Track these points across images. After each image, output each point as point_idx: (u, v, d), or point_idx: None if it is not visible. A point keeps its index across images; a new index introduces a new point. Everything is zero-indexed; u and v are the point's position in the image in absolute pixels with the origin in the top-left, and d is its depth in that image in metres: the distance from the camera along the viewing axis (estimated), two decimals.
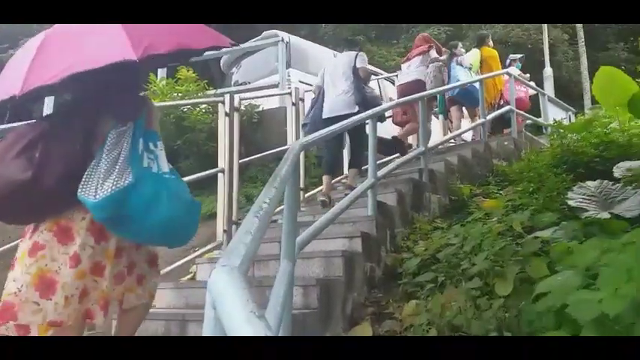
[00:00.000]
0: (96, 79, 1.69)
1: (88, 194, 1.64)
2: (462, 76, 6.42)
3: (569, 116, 9.55)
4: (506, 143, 6.56)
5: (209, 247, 3.89)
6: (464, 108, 6.88)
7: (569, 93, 15.95)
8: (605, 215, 4.00)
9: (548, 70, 10.91)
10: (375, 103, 4.58)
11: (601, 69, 7.07)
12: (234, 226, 4.02)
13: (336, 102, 4.57)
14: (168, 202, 1.73)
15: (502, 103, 7.25)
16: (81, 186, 1.65)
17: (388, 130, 6.44)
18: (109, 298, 1.79)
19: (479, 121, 6.22)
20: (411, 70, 6.17)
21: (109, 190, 1.64)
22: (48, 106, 4.70)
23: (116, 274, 1.81)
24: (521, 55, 8.34)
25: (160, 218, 1.71)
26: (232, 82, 8.18)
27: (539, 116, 8.30)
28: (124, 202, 1.66)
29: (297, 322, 2.44)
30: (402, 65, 6.41)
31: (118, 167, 1.68)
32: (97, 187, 1.65)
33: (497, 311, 2.45)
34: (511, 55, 8.28)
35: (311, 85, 7.02)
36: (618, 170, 5.22)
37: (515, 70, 7.69)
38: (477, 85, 6.36)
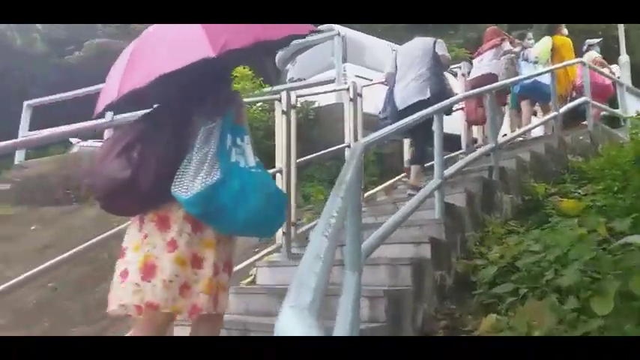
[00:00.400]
0: (183, 78, 1.78)
1: (180, 191, 1.75)
2: (527, 72, 6.09)
3: None
4: (581, 137, 6.05)
5: (269, 249, 3.76)
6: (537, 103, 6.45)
7: None
8: None
9: (623, 58, 10.01)
10: (449, 93, 4.36)
11: None
12: (292, 228, 3.86)
13: (408, 89, 4.39)
14: (255, 195, 1.80)
15: (575, 94, 6.72)
16: (174, 183, 1.77)
17: (450, 125, 6.10)
18: (214, 286, 1.84)
19: (551, 114, 5.76)
20: (483, 64, 5.87)
21: (199, 186, 1.73)
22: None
23: (214, 265, 1.85)
24: (599, 40, 7.71)
25: (249, 211, 1.78)
26: (287, 79, 8.05)
27: (615, 107, 7.65)
28: (214, 197, 1.74)
29: None
30: (474, 60, 6.12)
31: (207, 163, 1.77)
32: (189, 183, 1.75)
33: (595, 333, 2.14)
34: (588, 40, 7.66)
35: (368, 79, 6.84)
36: None
37: (592, 55, 7.12)
38: (546, 78, 5.92)
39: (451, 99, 4.18)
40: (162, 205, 1.83)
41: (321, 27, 7.78)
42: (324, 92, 5.98)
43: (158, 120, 1.91)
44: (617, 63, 9.50)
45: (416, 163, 4.44)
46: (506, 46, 5.84)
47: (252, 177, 1.86)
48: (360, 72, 7.06)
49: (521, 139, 5.91)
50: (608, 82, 7.38)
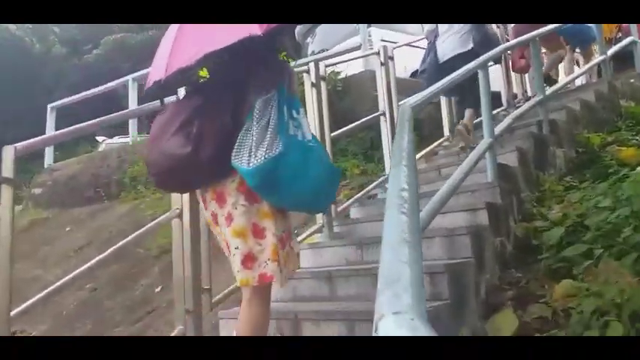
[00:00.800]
0: (232, 53, 1.78)
1: (241, 162, 1.72)
2: None
3: None
4: (632, 81, 5.60)
5: (310, 231, 3.56)
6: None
7: None
8: None
9: None
10: (495, 41, 4.17)
11: None
12: (333, 206, 3.65)
13: (451, 41, 4.24)
14: (314, 170, 1.79)
15: (620, 36, 6.23)
16: (234, 154, 1.74)
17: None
18: (282, 255, 1.80)
19: (599, 58, 5.32)
20: None
21: (262, 158, 1.70)
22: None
23: (276, 235, 1.80)
24: None
25: (306, 185, 1.77)
26: (309, 53, 7.75)
27: None
28: (275, 170, 1.72)
29: (431, 319, 2.01)
30: None
31: (268, 136, 1.73)
32: (250, 155, 1.72)
33: None
34: None
35: (394, 42, 6.50)
36: None
37: None
38: None
39: (495, 49, 3.87)
40: (219, 180, 1.82)
41: None
42: (354, 59, 5.65)
43: (211, 95, 1.87)
44: None
45: (471, 106, 4.14)
46: None
47: (310, 151, 1.82)
48: (386, 36, 6.72)
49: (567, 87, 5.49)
50: None
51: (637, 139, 4.36)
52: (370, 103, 5.40)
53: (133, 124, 8.33)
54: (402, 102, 4.69)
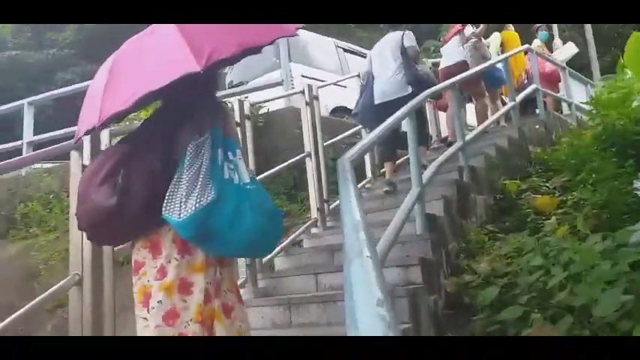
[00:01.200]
0: (167, 93, 1.68)
1: (172, 213, 1.63)
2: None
3: (588, 90, 8.94)
4: (537, 127, 5.96)
5: (307, 225, 4.07)
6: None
7: (572, 63, 15.43)
8: None
9: (558, 42, 10.23)
10: (430, 81, 4.35)
11: (633, 35, 6.45)
12: (326, 204, 4.20)
13: (388, 85, 4.37)
14: (251, 214, 1.67)
15: (526, 82, 6.66)
16: (165, 204, 1.64)
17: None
18: (207, 313, 1.68)
19: (510, 104, 5.60)
20: (449, 52, 5.68)
21: (193, 207, 1.61)
22: None
23: (203, 290, 1.69)
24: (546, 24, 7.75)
25: (244, 231, 1.66)
26: (227, 83, 7.48)
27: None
28: (208, 218, 1.62)
29: None
30: (442, 49, 5.91)
31: (199, 182, 1.63)
32: (181, 205, 1.62)
33: None
34: (536, 25, 7.67)
35: (316, 79, 6.45)
36: None
37: (536, 42, 7.13)
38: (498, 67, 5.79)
39: (437, 86, 4.14)
40: (153, 229, 1.70)
41: None
42: (279, 97, 5.48)
43: (143, 139, 1.78)
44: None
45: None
46: (468, 30, 5.60)
47: (248, 195, 1.71)
48: (307, 72, 6.64)
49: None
50: (552, 68, 7.41)
51: (547, 186, 4.57)
52: (293, 141, 5.23)
53: (27, 152, 7.48)
54: (326, 142, 4.61)
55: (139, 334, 1.68)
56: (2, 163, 2.43)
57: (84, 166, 2.28)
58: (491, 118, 5.28)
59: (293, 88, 6.14)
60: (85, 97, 1.80)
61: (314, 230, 4.03)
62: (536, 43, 7.48)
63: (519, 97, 5.93)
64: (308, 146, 4.18)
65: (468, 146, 4.33)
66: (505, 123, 6.08)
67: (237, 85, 7.09)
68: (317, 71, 6.85)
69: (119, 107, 1.60)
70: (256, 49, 1.79)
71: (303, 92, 4.34)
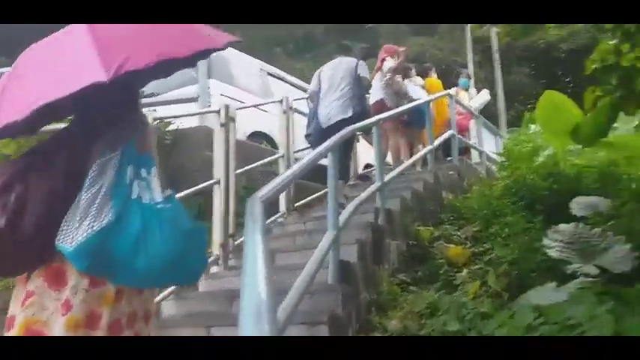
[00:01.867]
0: (76, 104, 1.58)
1: (65, 242, 1.43)
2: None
3: (497, 140, 9.40)
4: (451, 173, 6.02)
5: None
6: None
7: (482, 113, 16.44)
8: (592, 269, 3.50)
9: (472, 92, 10.73)
10: (368, 115, 4.47)
11: (545, 94, 6.75)
12: (230, 240, 3.79)
13: (333, 107, 4.48)
14: (161, 235, 1.49)
15: (444, 129, 6.78)
16: (59, 232, 1.44)
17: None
18: None
19: (428, 147, 5.59)
20: (374, 88, 5.71)
21: (85, 234, 1.42)
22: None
23: (112, 324, 1.48)
24: (466, 71, 8.03)
25: (153, 256, 1.47)
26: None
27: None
28: (104, 243, 1.43)
29: None
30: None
31: (97, 204, 1.46)
32: (74, 231, 1.43)
33: None
34: (459, 69, 7.92)
35: (236, 99, 6.10)
36: (576, 207, 4.83)
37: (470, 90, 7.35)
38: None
39: (370, 119, 4.17)
40: (55, 256, 1.46)
41: None
42: (190, 115, 5.04)
43: (47, 153, 1.57)
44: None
45: (341, 178, 4.13)
46: (387, 65, 5.57)
47: (158, 214, 1.52)
48: (226, 90, 6.26)
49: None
50: (462, 116, 7.66)
51: (459, 235, 4.53)
52: (202, 164, 4.81)
53: None
54: (239, 170, 4.26)
55: None
56: None
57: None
58: (411, 159, 5.22)
59: (210, 106, 5.74)
60: None
61: (214, 269, 3.62)
62: (453, 90, 7.72)
63: (437, 141, 5.96)
64: (218, 172, 3.80)
65: (386, 187, 4.18)
66: (420, 168, 6.09)
67: (147, 97, 6.53)
68: (238, 91, 6.48)
69: (10, 118, 1.41)
70: (186, 61, 1.65)
71: (218, 112, 3.97)
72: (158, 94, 6.41)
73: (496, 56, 14.26)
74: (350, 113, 4.34)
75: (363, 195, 3.76)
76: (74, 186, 1.48)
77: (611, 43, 5.86)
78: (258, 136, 6.51)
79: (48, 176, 1.50)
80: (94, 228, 1.42)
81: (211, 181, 3.79)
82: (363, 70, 4.61)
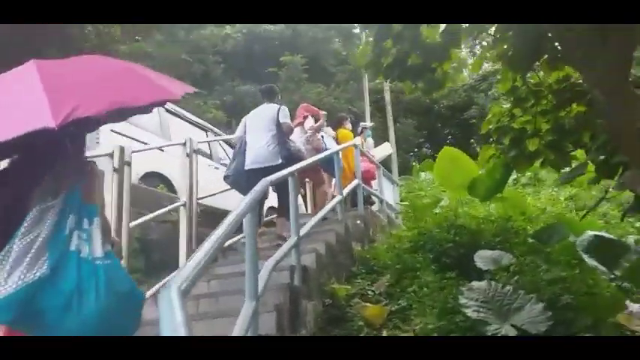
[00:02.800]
0: (23, 147, 1.55)
1: None
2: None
3: (394, 188, 9.62)
4: (358, 222, 5.90)
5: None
6: None
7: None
8: (510, 330, 3.48)
9: (370, 142, 10.99)
10: (298, 156, 4.66)
11: (444, 150, 7.04)
12: None
13: (260, 154, 4.65)
14: (96, 294, 1.43)
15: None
16: None
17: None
18: None
19: (338, 197, 5.42)
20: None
21: (14, 285, 1.37)
22: None
23: None
24: (371, 124, 8.17)
25: (85, 316, 1.40)
26: None
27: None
28: (36, 298, 1.37)
29: None
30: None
31: (31, 254, 1.41)
32: (3, 281, 1.38)
33: None
34: (362, 124, 8.00)
35: (129, 137, 5.48)
36: (480, 261, 4.92)
37: (369, 141, 7.45)
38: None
39: (306, 161, 4.50)
40: None
41: None
42: None
43: None
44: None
45: (283, 216, 4.53)
46: (308, 124, 5.60)
47: (96, 271, 1.46)
48: (118, 127, 5.62)
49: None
50: (369, 166, 7.73)
51: (373, 291, 4.34)
52: None
53: None
54: (133, 222, 3.69)
55: None
56: None
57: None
58: (323, 211, 5.00)
59: (98, 143, 5.06)
60: None
61: None
62: (359, 140, 7.78)
63: (345, 190, 5.84)
64: (111, 215, 3.21)
65: (302, 243, 3.87)
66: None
67: None
68: (131, 128, 5.84)
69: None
70: (138, 109, 1.64)
71: (111, 155, 3.42)
72: None
73: (388, 108, 14.95)
74: (279, 160, 4.51)
75: (278, 254, 3.40)
76: (9, 227, 1.42)
77: (504, 107, 6.27)
78: (152, 177, 5.88)
79: None
80: (26, 280, 1.37)
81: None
82: (284, 116, 4.78)
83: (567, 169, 5.43)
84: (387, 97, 15.35)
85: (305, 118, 6.01)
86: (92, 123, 1.59)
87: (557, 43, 4.91)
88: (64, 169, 1.56)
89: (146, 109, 1.71)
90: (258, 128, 4.80)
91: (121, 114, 1.63)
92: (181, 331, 1.24)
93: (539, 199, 8.69)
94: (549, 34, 4.04)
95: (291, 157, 4.57)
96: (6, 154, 1.56)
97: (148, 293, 3.65)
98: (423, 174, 13.06)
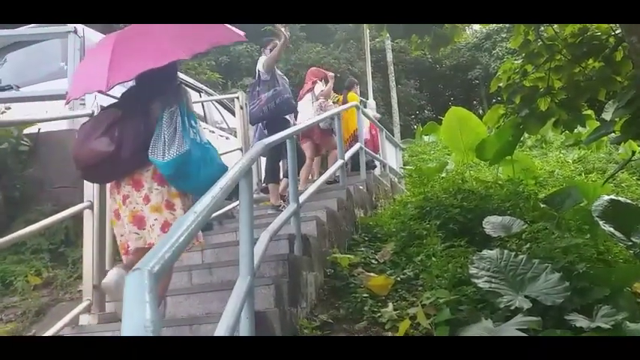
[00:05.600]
0: (147, 75, 2.32)
1: (156, 156, 2.34)
2: None
3: (397, 152, 9.32)
4: (361, 187, 5.63)
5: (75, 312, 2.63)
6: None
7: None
8: (524, 302, 3.25)
9: (371, 103, 10.60)
10: (281, 101, 4.60)
11: (451, 110, 6.68)
12: None
13: (254, 110, 4.72)
14: (211, 163, 2.44)
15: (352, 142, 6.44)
16: (150, 151, 2.34)
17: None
18: None
19: (339, 162, 5.13)
20: (302, 109, 5.63)
21: (174, 154, 2.33)
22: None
23: (183, 209, 2.42)
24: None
25: (207, 175, 2.34)
26: None
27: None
28: (184, 163, 2.35)
29: None
30: (298, 104, 5.68)
31: (177, 138, 2.36)
32: (164, 151, 2.33)
33: None
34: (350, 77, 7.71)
35: (115, 97, 5.16)
36: (489, 227, 4.67)
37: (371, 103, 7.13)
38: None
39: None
40: (135, 170, 2.42)
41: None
42: (57, 118, 3.97)
43: (127, 107, 2.48)
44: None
45: (272, 181, 4.77)
46: (318, 88, 5.40)
47: (207, 151, 2.48)
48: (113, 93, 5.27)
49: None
50: (375, 134, 7.43)
51: (377, 260, 4.12)
52: (68, 178, 3.87)
53: None
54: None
55: (132, 247, 2.45)
56: None
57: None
58: (324, 176, 4.72)
59: (83, 104, 4.74)
60: (81, 67, 2.75)
61: (84, 318, 2.75)
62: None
63: (347, 154, 5.55)
64: (89, 193, 2.95)
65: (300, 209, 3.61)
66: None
67: (2, 89, 5.28)
68: (119, 88, 5.50)
69: (123, 79, 2.33)
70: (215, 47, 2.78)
71: (92, 116, 3.11)
72: (18, 88, 5.22)
73: (391, 68, 14.44)
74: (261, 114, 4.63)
75: (276, 223, 3.14)
76: (149, 127, 2.37)
77: (516, 62, 5.84)
78: None
79: (134, 122, 2.38)
80: (180, 151, 2.32)
81: (81, 205, 2.92)
82: (260, 64, 4.79)
83: (582, 129, 5.11)
84: (389, 56, 14.80)
85: (314, 83, 5.71)
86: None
87: None
88: (171, 89, 2.50)
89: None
90: (253, 87, 4.81)
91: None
92: (148, 332, 1.00)
93: (547, 162, 8.40)
94: None
95: (275, 107, 4.56)
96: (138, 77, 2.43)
97: None
98: (426, 137, 12.69)
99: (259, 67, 4.79)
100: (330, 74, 6.03)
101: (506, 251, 3.70)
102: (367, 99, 11.02)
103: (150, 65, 2.20)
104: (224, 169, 2.34)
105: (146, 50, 2.29)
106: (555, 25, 4.93)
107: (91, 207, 2.92)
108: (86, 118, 3.14)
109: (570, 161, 8.58)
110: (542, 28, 5.09)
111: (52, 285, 3.34)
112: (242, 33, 2.48)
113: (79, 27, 5.06)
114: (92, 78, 2.34)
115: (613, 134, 4.43)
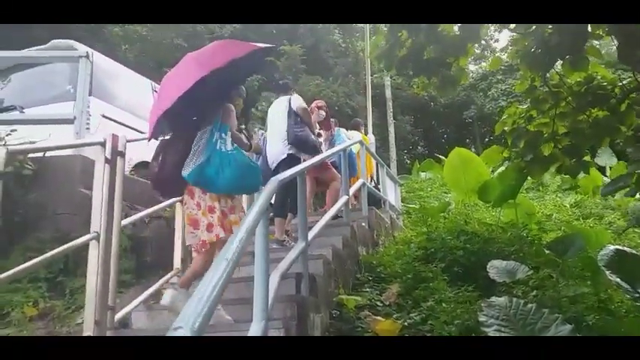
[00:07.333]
0: (189, 100, 2.83)
1: (184, 171, 2.95)
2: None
3: (396, 188, 9.30)
4: (363, 224, 5.57)
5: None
6: None
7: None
8: None
9: (371, 137, 10.64)
10: (311, 142, 4.59)
11: (455, 150, 6.70)
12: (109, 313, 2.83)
13: (276, 149, 4.64)
14: (230, 168, 2.94)
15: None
16: (184, 167, 2.96)
17: None
18: (226, 222, 3.04)
19: (343, 198, 5.08)
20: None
21: (192, 166, 2.93)
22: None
23: (221, 212, 3.02)
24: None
25: (226, 178, 2.92)
26: None
27: None
28: (202, 171, 2.92)
29: None
30: None
31: (197, 152, 2.95)
32: (187, 166, 2.94)
33: None
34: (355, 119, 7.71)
35: (121, 123, 5.12)
36: (493, 271, 4.62)
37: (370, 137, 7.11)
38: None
39: (320, 156, 4.43)
40: (187, 183, 3.01)
41: (54, 42, 5.66)
42: (62, 147, 3.85)
43: (175, 133, 3.14)
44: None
45: (279, 215, 4.62)
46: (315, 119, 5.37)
47: (227, 156, 2.97)
48: (110, 112, 5.24)
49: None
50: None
51: (382, 302, 4.03)
52: (71, 205, 3.76)
53: None
54: (126, 220, 3.33)
55: (188, 243, 3.12)
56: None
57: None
58: (331, 211, 4.65)
59: (88, 129, 4.68)
60: (169, 83, 3.08)
61: None
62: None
63: (352, 189, 5.51)
64: (96, 224, 2.86)
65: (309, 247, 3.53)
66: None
67: (6, 110, 5.21)
68: (123, 114, 5.46)
69: (167, 105, 2.87)
70: (242, 60, 2.98)
71: (103, 144, 3.05)
72: (22, 109, 5.15)
73: (389, 104, 14.58)
74: (286, 152, 4.52)
75: (285, 262, 3.06)
76: (189, 145, 2.99)
77: (521, 107, 5.89)
78: (145, 166, 5.50)
79: (177, 143, 3.04)
80: (197, 163, 2.91)
81: (88, 236, 2.82)
82: (295, 102, 4.66)
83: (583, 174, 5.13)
84: (388, 93, 14.97)
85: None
86: (230, 75, 3.08)
87: (596, 41, 4.60)
88: (210, 110, 3.10)
89: (253, 58, 3.15)
90: (274, 124, 4.71)
91: (235, 68, 2.95)
92: None
93: (544, 206, 8.42)
94: (589, 31, 3.74)
95: (299, 142, 4.49)
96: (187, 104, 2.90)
97: (138, 300, 3.31)
98: (423, 174, 12.73)
99: (299, 104, 4.73)
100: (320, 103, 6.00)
101: (515, 299, 3.64)
102: (367, 134, 11.06)
103: (181, 91, 2.76)
104: (247, 167, 3.01)
105: (178, 80, 2.89)
106: (561, 71, 5.00)
107: (97, 238, 2.82)
108: (98, 146, 3.08)
109: (568, 205, 8.61)
110: (548, 75, 5.17)
111: (49, 316, 3.20)
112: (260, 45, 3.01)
113: (90, 51, 5.04)
114: (163, 100, 2.93)
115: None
